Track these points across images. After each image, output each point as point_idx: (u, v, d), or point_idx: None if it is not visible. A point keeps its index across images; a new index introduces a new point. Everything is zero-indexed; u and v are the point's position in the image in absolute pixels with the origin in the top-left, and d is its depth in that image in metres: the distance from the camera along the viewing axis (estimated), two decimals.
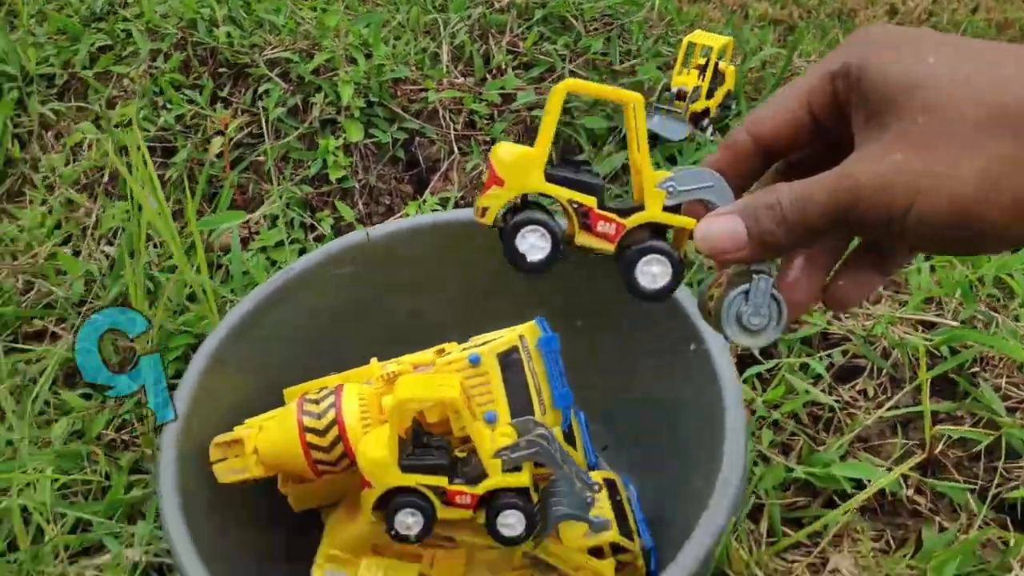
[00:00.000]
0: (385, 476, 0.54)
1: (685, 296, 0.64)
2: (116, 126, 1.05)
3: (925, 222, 0.31)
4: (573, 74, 0.99)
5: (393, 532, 0.56)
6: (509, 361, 0.59)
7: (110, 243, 1.05)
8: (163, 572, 0.74)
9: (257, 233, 0.94)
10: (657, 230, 0.41)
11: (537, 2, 1.09)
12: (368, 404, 0.60)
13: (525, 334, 0.60)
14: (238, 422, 0.63)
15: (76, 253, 1.04)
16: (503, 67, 1.02)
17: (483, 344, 0.60)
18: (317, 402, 0.60)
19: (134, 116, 1.04)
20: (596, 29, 1.09)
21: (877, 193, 0.31)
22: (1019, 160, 0.29)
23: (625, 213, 0.41)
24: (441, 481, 0.54)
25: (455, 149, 0.95)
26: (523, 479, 0.54)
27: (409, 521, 0.55)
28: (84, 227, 1.06)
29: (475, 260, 0.74)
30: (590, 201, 0.41)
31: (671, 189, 0.40)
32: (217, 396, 0.64)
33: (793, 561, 0.69)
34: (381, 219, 0.95)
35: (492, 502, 0.54)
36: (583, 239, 0.41)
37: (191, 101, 1.04)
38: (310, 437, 0.58)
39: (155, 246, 0.96)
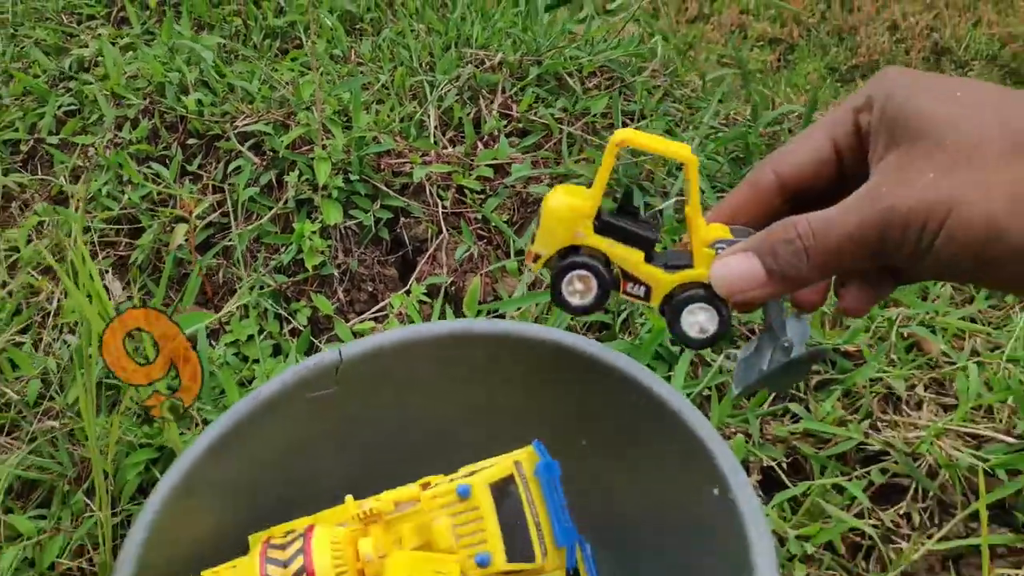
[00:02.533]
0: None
1: (708, 433, 0.56)
2: (77, 207, 0.97)
3: (956, 240, 0.31)
4: (572, 138, 0.90)
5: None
6: (504, 493, 0.51)
7: (72, 331, 0.96)
8: None
9: (227, 323, 0.86)
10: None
11: (531, 59, 1.01)
12: (342, 549, 0.52)
13: (522, 460, 0.52)
14: (203, 561, 0.55)
15: (37, 342, 0.96)
16: (495, 134, 0.94)
17: (473, 474, 0.53)
18: (283, 548, 0.52)
19: (88, 195, 0.96)
20: (596, 86, 1.01)
21: (912, 212, 0.31)
22: None
23: (674, 268, 0.42)
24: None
25: (443, 228, 0.87)
26: None
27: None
28: (45, 312, 0.98)
29: (464, 378, 0.66)
30: (637, 256, 0.43)
31: (719, 249, 0.40)
32: (180, 530, 0.55)
33: None
34: (364, 306, 0.86)
35: None
36: (624, 294, 0.43)
37: (157, 177, 0.96)
38: None
39: None
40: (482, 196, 0.88)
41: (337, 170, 0.87)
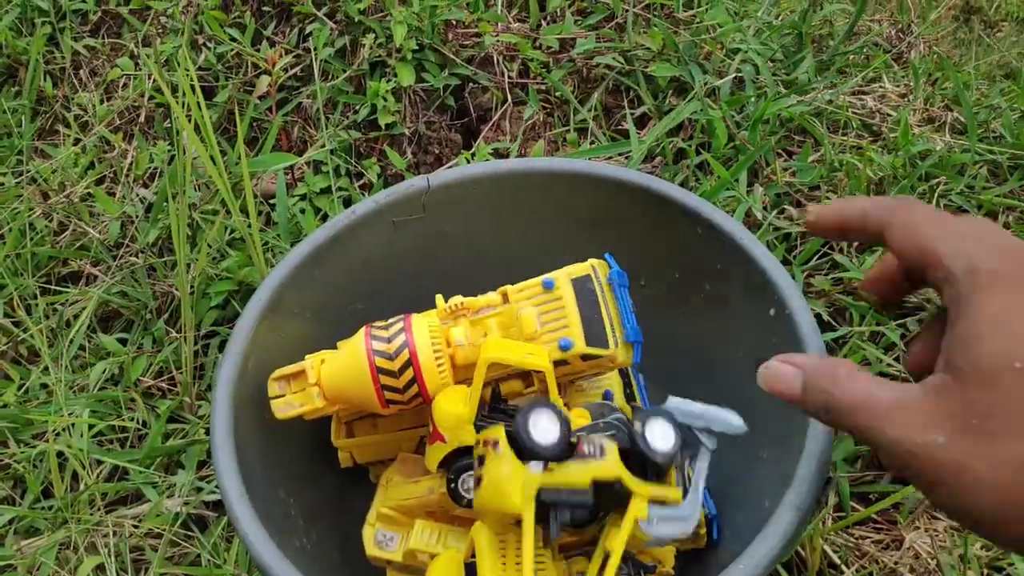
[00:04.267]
0: (460, 433, 0.51)
1: (771, 264, 0.60)
2: (156, 62, 1.01)
3: (943, 504, 0.32)
4: (636, 19, 0.94)
5: (453, 488, 0.53)
6: (583, 288, 0.56)
7: (145, 186, 1.01)
8: (204, 524, 0.71)
9: (301, 179, 0.91)
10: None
11: None
12: (437, 335, 0.57)
13: (596, 266, 0.57)
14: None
15: (110, 195, 1.01)
16: (560, 12, 0.97)
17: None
18: (386, 328, 0.57)
19: (183, 51, 1.00)
20: None
21: (907, 459, 0.32)
22: None
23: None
24: None
25: (508, 97, 0.91)
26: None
27: (472, 483, 0.52)
28: (119, 168, 1.03)
29: (537, 211, 0.71)
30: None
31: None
32: (272, 341, 0.61)
33: (862, 538, 0.66)
34: (429, 168, 0.91)
35: None
36: None
37: (233, 39, 1.00)
38: (379, 361, 0.55)
39: (196, 189, 0.93)
40: (547, 69, 0.93)
41: (411, 34, 0.91)
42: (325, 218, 0.86)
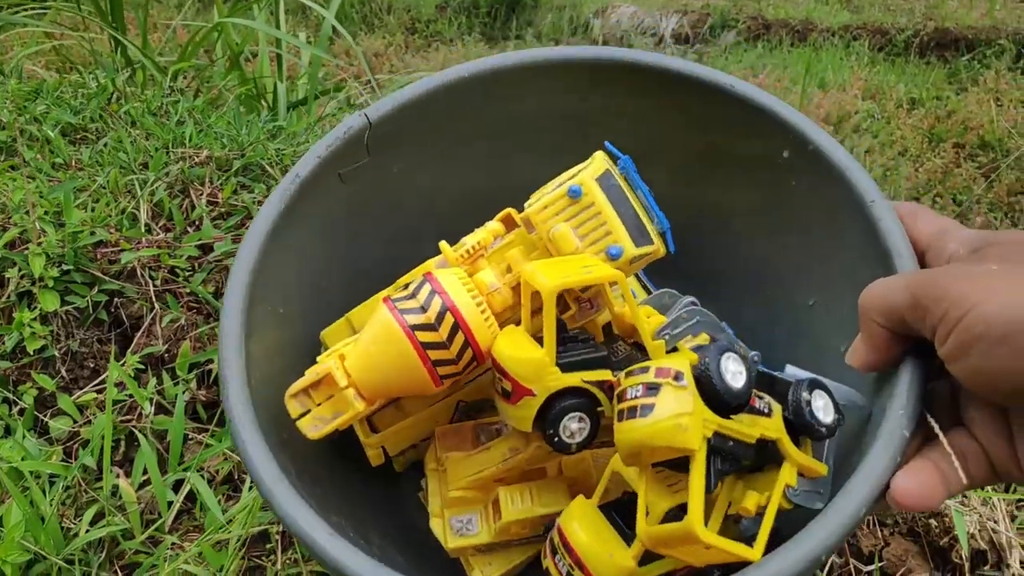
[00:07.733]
0: (547, 379, 0.46)
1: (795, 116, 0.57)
2: None
3: None
4: None
5: (556, 440, 0.48)
6: (610, 186, 0.50)
7: None
8: None
9: None
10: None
11: (236, 153, 1.16)
12: (471, 286, 0.50)
13: (604, 158, 0.52)
14: (292, 372, 0.51)
15: None
16: (201, 219, 1.08)
17: (569, 179, 0.51)
18: (412, 296, 0.49)
19: None
20: None
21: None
22: None
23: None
24: (606, 375, 0.47)
25: (155, 305, 0.99)
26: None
27: (574, 427, 0.48)
28: None
29: (492, 115, 0.62)
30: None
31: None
32: (260, 352, 0.52)
33: None
34: (87, 382, 0.97)
35: None
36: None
37: None
38: (422, 336, 0.47)
39: None
40: (191, 272, 1.02)
41: (53, 262, 0.98)
42: None
